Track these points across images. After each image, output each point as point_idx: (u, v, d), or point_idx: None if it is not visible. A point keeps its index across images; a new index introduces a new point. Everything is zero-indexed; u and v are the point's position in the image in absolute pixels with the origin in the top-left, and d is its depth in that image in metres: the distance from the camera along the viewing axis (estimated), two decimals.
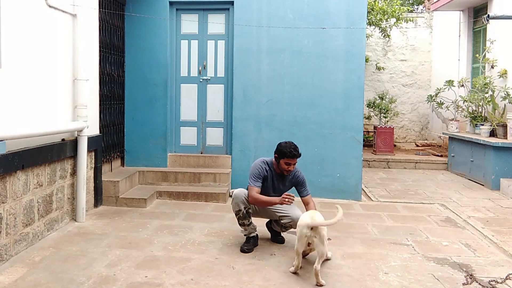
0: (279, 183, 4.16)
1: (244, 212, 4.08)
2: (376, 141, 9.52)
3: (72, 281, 3.36)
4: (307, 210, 3.96)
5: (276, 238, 4.38)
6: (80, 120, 4.81)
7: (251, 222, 4.16)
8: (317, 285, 3.38)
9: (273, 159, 4.13)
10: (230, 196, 5.95)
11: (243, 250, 4.05)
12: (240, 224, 4.18)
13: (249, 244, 4.12)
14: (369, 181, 7.52)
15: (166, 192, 5.92)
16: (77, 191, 4.83)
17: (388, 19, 9.63)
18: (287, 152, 3.96)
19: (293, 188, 4.22)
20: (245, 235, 4.21)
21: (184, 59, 6.56)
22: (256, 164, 4.13)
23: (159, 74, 6.37)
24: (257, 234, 4.22)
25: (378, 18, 9.37)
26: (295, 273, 3.57)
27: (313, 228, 3.46)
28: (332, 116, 6.17)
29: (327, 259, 3.83)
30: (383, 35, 10.13)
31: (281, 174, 4.13)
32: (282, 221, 4.12)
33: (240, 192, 4.12)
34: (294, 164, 4.04)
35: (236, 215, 4.14)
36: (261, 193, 4.04)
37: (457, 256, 4.04)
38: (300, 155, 4.02)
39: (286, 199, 3.88)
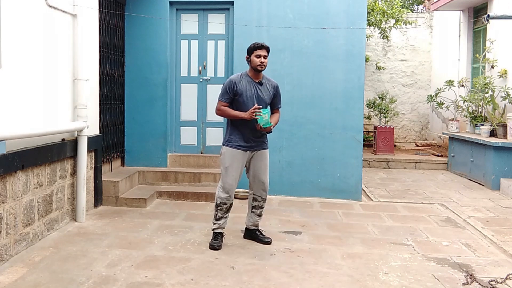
0: (259, 91, 4.08)
1: (228, 205, 4.13)
2: (376, 141, 9.52)
3: (72, 281, 3.36)
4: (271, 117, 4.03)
5: (257, 238, 4.28)
6: (80, 120, 4.81)
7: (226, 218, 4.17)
8: None
9: (249, 65, 4.09)
10: None
11: (213, 247, 4.05)
12: (216, 217, 4.14)
13: (218, 241, 4.11)
14: (369, 181, 7.52)
15: (166, 192, 5.92)
16: (77, 191, 4.83)
17: (388, 20, 9.62)
18: (253, 45, 4.01)
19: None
20: (213, 229, 4.17)
21: (184, 59, 6.56)
22: (226, 81, 4.12)
23: (159, 74, 6.37)
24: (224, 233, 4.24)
25: (378, 19, 9.36)
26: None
27: None
28: (332, 116, 6.16)
29: None
30: (382, 36, 10.12)
31: (259, 81, 4.09)
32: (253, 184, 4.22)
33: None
34: (265, 57, 3.98)
35: (217, 206, 4.11)
36: (243, 107, 4.01)
37: (457, 256, 4.05)
38: (267, 46, 4.01)
39: (254, 113, 3.86)
